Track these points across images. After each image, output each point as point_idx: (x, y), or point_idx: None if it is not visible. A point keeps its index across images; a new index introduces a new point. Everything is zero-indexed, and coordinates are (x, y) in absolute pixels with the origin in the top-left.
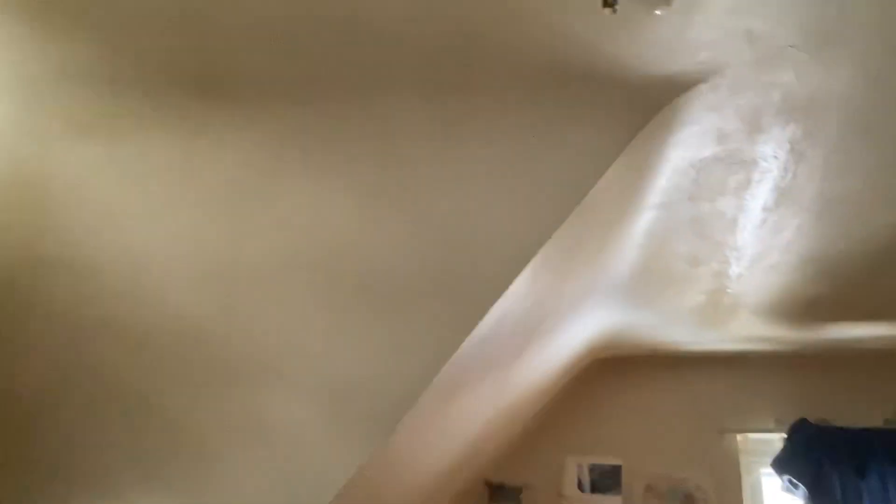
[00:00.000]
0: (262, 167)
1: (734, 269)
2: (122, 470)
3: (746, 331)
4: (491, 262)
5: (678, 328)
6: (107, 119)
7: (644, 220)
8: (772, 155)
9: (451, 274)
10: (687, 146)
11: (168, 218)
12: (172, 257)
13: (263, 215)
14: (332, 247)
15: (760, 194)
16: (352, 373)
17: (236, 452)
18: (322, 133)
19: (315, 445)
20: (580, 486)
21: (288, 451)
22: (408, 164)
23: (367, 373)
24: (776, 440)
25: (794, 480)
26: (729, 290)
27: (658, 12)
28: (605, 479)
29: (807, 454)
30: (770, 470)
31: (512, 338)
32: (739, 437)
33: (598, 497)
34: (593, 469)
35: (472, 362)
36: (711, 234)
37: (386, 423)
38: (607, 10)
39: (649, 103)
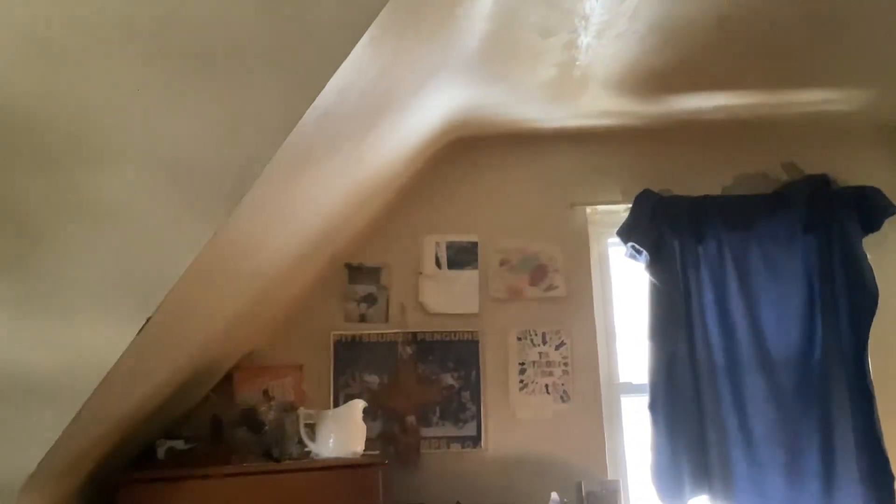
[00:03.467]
0: None
1: (583, 40)
2: None
3: (596, 106)
4: (326, 28)
5: (531, 105)
6: None
7: None
8: None
9: (287, 42)
10: None
11: None
12: None
13: None
14: (155, 14)
15: None
16: (188, 148)
17: (69, 235)
18: None
19: (155, 224)
20: (438, 264)
21: (127, 232)
22: None
23: (205, 147)
24: (622, 211)
25: (638, 247)
26: (578, 62)
27: None
28: (462, 256)
29: (649, 222)
30: (616, 239)
31: (358, 112)
32: (588, 209)
33: (455, 272)
34: (450, 246)
35: (317, 136)
36: (560, 2)
37: (229, 199)
38: None
39: None
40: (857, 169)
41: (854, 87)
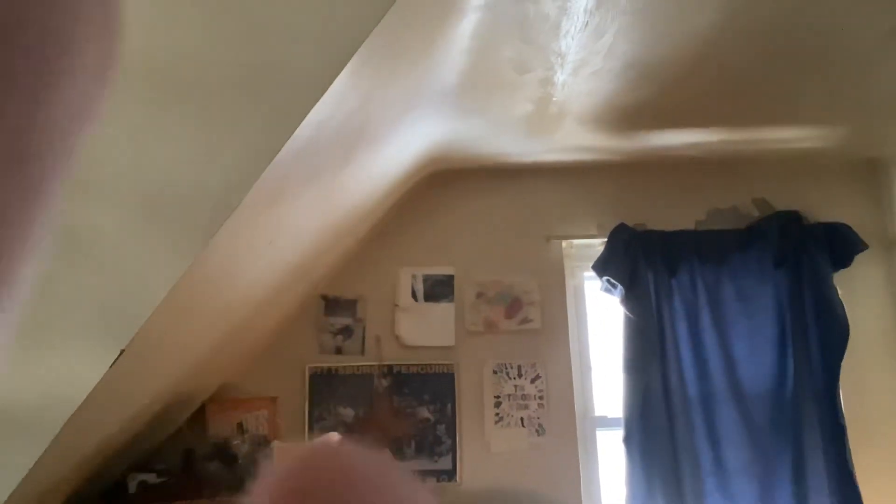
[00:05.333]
0: None
1: (559, 77)
2: None
3: (572, 140)
4: (307, 61)
5: (507, 139)
6: None
7: (468, 22)
8: None
9: (267, 73)
10: None
11: None
12: None
13: None
14: (137, 43)
15: None
16: (165, 178)
17: (44, 268)
18: None
19: (131, 255)
20: (414, 296)
21: (102, 263)
22: None
23: (182, 179)
24: (597, 245)
25: (613, 280)
26: (555, 98)
27: None
28: (438, 288)
29: (624, 256)
30: (591, 273)
31: (337, 144)
32: (564, 243)
33: (431, 305)
34: (427, 279)
35: (294, 168)
36: (536, 39)
37: (205, 230)
38: None
39: None
40: (827, 205)
41: (825, 124)
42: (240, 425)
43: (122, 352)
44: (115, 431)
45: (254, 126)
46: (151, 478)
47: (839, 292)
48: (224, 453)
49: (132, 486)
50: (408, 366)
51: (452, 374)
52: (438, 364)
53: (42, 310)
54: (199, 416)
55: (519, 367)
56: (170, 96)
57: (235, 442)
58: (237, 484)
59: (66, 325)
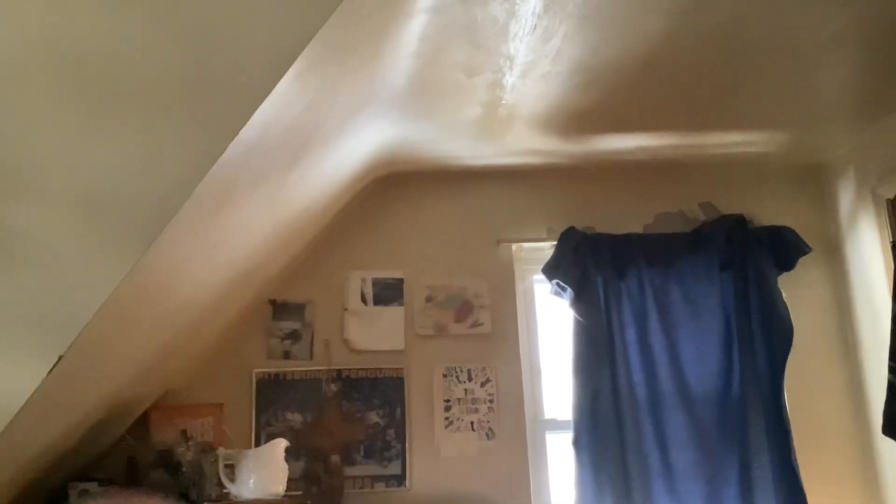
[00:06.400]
0: None
1: (508, 80)
2: None
3: (521, 144)
4: (250, 63)
5: (457, 142)
6: None
7: (416, 25)
8: None
9: (209, 75)
10: None
11: None
12: None
13: None
14: (76, 47)
15: None
16: (104, 181)
17: None
18: None
19: (70, 259)
20: (363, 300)
21: (40, 267)
22: None
23: (122, 181)
24: (547, 248)
25: (562, 284)
26: (504, 102)
27: None
28: (388, 292)
29: (574, 260)
30: (541, 276)
31: (284, 146)
32: (514, 246)
33: (380, 309)
34: (376, 283)
35: (240, 171)
36: (485, 42)
37: (146, 234)
38: None
39: None
40: (772, 209)
41: (769, 129)
42: (184, 432)
43: (60, 358)
44: (54, 440)
45: (196, 128)
46: (93, 486)
47: (783, 295)
48: (168, 461)
49: (73, 496)
50: (357, 370)
51: (402, 379)
52: (388, 368)
53: None
54: (143, 424)
55: (469, 371)
56: (109, 97)
57: (179, 449)
58: (181, 491)
59: (2, 330)
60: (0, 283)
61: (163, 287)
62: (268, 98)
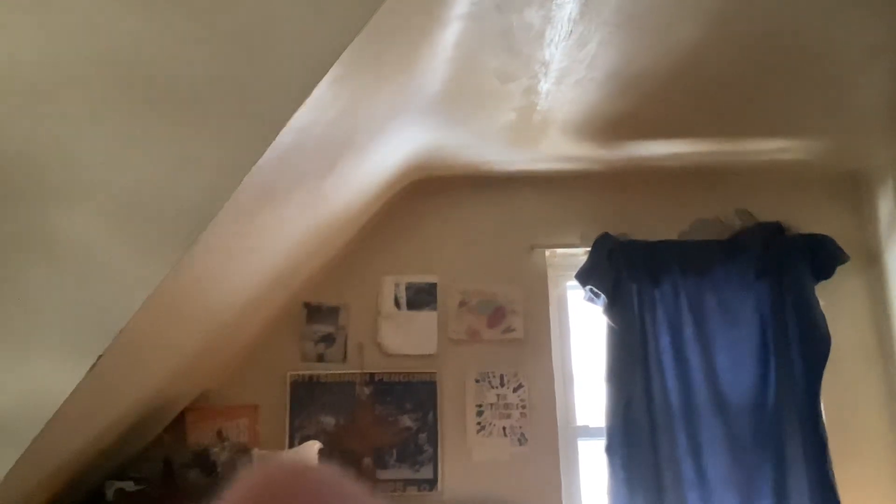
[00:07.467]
0: None
1: (543, 86)
2: None
3: (556, 150)
4: (288, 69)
5: (491, 148)
6: None
7: (452, 32)
8: None
9: (246, 81)
10: None
11: None
12: None
13: (38, 23)
14: (117, 53)
15: (566, 4)
16: (143, 185)
17: (24, 271)
18: None
19: (110, 261)
20: (397, 304)
21: (81, 269)
22: None
23: (161, 185)
24: (581, 254)
25: (596, 290)
26: (539, 108)
27: None
28: (421, 296)
29: (607, 266)
30: (574, 282)
31: (319, 152)
32: (548, 252)
33: (413, 313)
34: (409, 287)
35: (276, 176)
36: (520, 48)
37: (185, 237)
38: None
39: None
40: (809, 217)
41: (807, 136)
42: (219, 433)
43: (99, 357)
44: (92, 439)
45: (234, 133)
46: (129, 485)
47: (821, 304)
48: (203, 461)
49: (110, 494)
50: (390, 374)
51: (434, 383)
52: (421, 372)
53: (18, 315)
54: (179, 424)
55: (501, 377)
56: (148, 102)
57: (215, 450)
58: (217, 492)
59: (43, 331)
60: (42, 283)
61: (200, 290)
62: (305, 104)
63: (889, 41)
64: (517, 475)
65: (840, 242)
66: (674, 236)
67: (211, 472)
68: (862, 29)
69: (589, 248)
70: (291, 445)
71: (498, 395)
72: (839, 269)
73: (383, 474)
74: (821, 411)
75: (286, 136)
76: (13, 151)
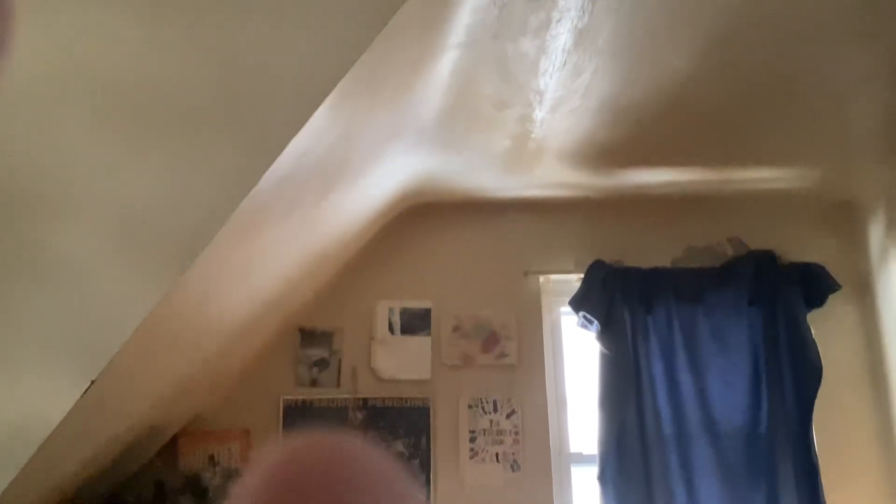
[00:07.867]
0: None
1: (538, 114)
2: None
3: (550, 177)
4: (287, 93)
5: (486, 174)
6: None
7: (448, 60)
8: None
9: (245, 105)
10: None
11: None
12: None
13: (41, 39)
14: (117, 73)
15: (560, 34)
16: (140, 207)
17: (18, 292)
18: None
19: (105, 284)
20: (391, 329)
21: (76, 292)
22: None
23: (158, 208)
24: (574, 281)
25: (589, 316)
26: (533, 135)
27: None
28: (415, 321)
29: (601, 293)
30: (568, 308)
31: (316, 176)
32: (542, 278)
33: (407, 338)
34: (404, 312)
35: (273, 199)
36: (515, 77)
37: (181, 260)
38: None
39: None
40: (801, 245)
41: (800, 165)
42: (211, 458)
43: (92, 382)
44: (84, 462)
45: (232, 157)
46: None
47: (813, 332)
48: (195, 486)
49: None
50: (383, 399)
51: (428, 409)
52: (414, 398)
53: (10, 336)
54: (171, 449)
55: (495, 402)
56: (146, 125)
57: (207, 474)
58: None
59: (38, 353)
60: (35, 306)
61: (194, 313)
62: (302, 129)
63: (878, 69)
64: (510, 502)
65: (832, 271)
66: (667, 263)
67: (203, 496)
68: (852, 56)
69: (583, 275)
70: None
71: (491, 421)
72: (831, 298)
73: None
74: (813, 438)
75: (284, 160)
76: (8, 174)
